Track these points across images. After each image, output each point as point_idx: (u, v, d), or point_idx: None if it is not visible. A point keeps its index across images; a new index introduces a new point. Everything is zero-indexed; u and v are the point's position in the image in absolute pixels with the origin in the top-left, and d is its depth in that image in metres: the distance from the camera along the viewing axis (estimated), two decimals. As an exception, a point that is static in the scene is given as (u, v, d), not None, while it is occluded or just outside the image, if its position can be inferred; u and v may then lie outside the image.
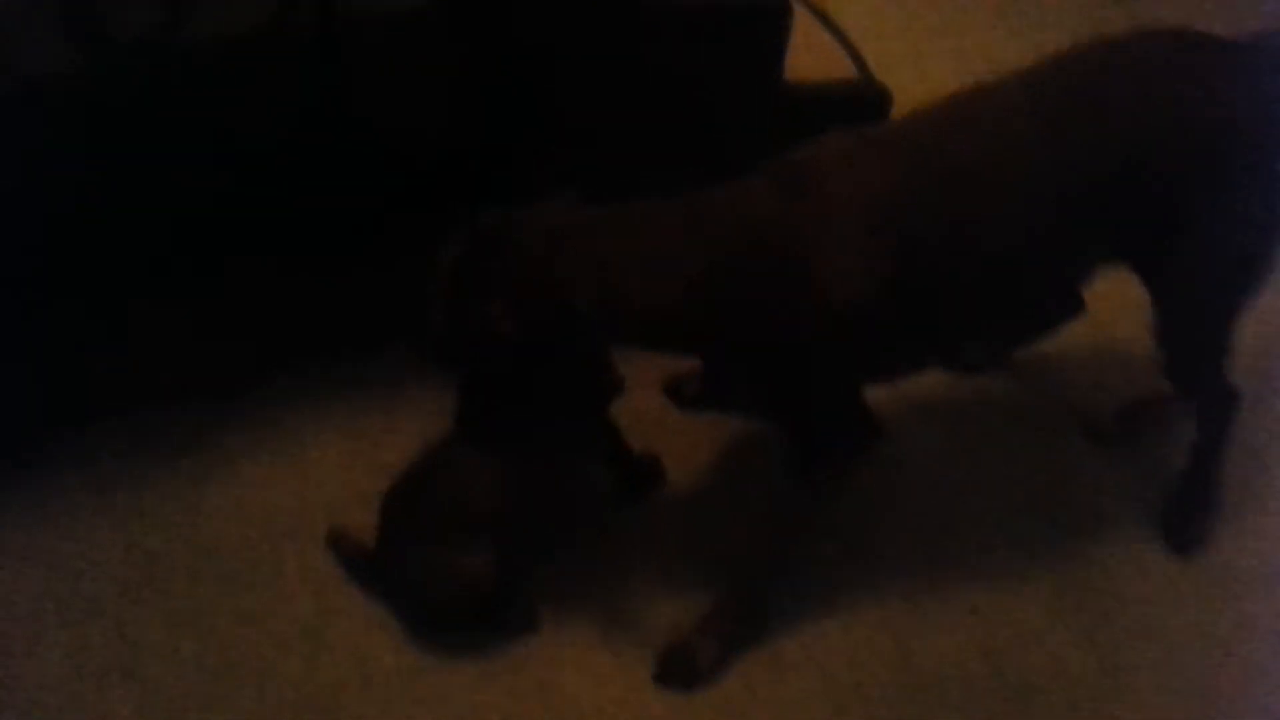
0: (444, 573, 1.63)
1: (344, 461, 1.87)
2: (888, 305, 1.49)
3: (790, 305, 1.48)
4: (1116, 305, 2.10)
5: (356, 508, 1.76)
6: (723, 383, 1.88)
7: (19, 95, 1.52)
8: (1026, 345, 2.05)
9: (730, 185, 1.53)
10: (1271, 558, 1.83)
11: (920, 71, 2.63)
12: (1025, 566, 1.81)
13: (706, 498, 1.87)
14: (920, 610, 1.76)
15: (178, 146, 1.64)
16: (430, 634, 1.68)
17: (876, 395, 1.67)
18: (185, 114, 1.59)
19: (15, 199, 1.65)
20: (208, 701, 1.62)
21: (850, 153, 1.53)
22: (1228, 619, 1.77)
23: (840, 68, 2.12)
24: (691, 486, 1.88)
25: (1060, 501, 1.90)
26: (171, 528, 1.79)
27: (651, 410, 1.93)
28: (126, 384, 1.89)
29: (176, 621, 1.70)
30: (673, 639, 1.68)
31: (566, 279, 1.46)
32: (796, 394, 1.59)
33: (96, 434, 1.88)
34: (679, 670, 1.66)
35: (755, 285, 1.48)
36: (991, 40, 2.79)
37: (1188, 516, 1.85)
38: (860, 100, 2.08)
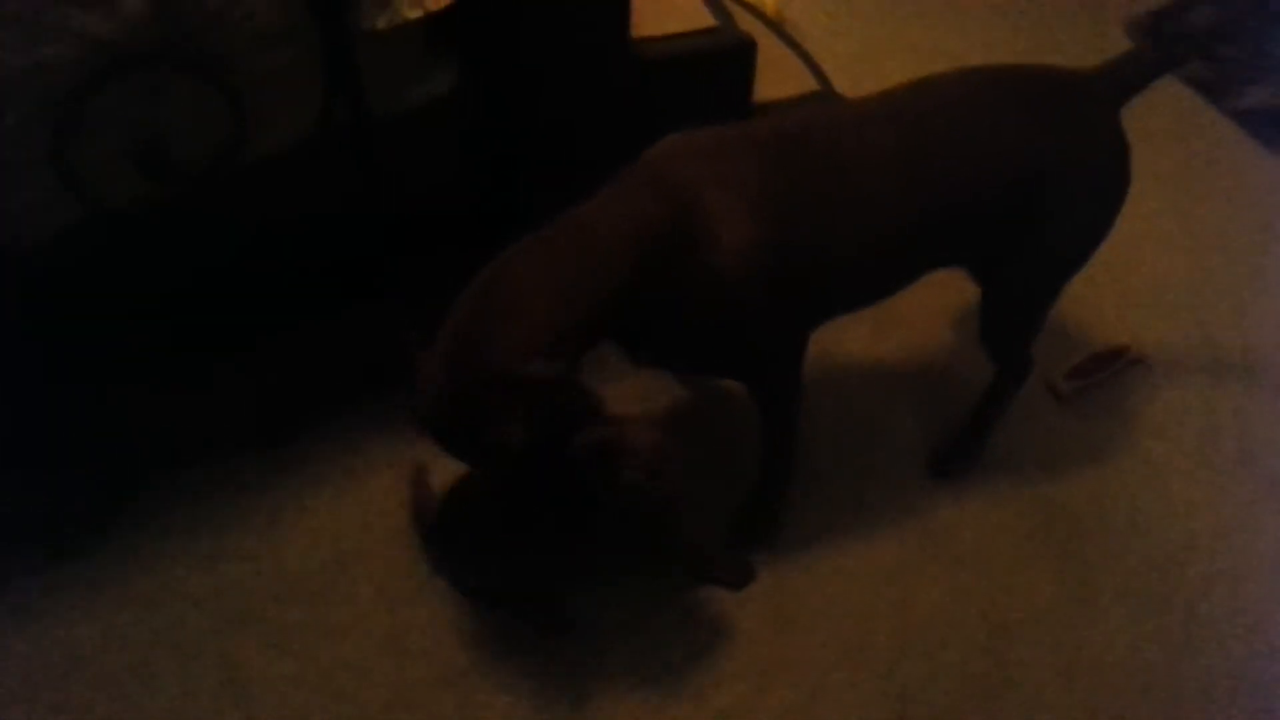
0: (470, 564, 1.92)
1: (399, 488, 2.08)
2: (781, 278, 1.66)
3: (703, 292, 1.62)
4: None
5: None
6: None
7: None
8: None
9: (610, 202, 1.61)
10: (1219, 505, 2.12)
11: (875, 68, 2.86)
12: (1000, 517, 2.08)
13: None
14: (915, 564, 2.02)
15: (239, 238, 1.84)
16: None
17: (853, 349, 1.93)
18: (246, 215, 1.79)
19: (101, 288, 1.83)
20: (312, 712, 1.83)
21: (712, 149, 1.66)
22: (1179, 547, 2.05)
23: (693, 20, 2.00)
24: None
25: (1025, 452, 2.17)
26: (256, 562, 2.00)
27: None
28: (200, 438, 2.08)
29: (273, 644, 1.90)
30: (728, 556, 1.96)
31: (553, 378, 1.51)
32: (733, 358, 1.80)
33: (172, 486, 2.07)
34: (738, 571, 1.94)
35: (669, 286, 1.60)
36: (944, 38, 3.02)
37: (959, 454, 2.13)
38: (721, 52, 2.00)
